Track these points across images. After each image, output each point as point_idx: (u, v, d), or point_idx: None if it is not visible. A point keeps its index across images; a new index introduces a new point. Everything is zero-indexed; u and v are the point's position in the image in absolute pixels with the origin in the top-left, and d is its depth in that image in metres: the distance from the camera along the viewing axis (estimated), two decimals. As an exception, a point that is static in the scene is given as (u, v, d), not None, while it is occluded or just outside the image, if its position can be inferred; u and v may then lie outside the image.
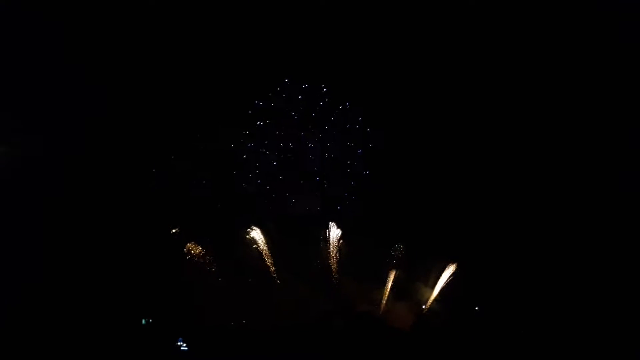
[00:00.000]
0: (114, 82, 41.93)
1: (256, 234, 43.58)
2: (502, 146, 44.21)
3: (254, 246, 43.46)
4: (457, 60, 43.97)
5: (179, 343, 39.68)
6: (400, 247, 43.38)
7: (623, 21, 39.68)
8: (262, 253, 43.49)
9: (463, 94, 44.25)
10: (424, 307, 44.12)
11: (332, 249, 43.47)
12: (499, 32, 42.71)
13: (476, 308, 44.86)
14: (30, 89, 39.74)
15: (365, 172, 44.98)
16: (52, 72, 40.31)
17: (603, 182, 42.48)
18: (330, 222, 43.62)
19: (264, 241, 43.59)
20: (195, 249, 42.71)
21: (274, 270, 43.45)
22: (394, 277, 43.32)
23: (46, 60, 40.44)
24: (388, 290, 43.21)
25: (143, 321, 41.22)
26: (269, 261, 43.37)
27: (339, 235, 43.61)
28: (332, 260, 43.47)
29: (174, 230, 42.58)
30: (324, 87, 45.09)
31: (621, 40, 40.34)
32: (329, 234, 43.53)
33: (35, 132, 39.24)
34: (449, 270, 44.00)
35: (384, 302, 43.06)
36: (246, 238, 43.54)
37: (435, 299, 44.03)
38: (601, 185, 42.54)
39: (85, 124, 41.28)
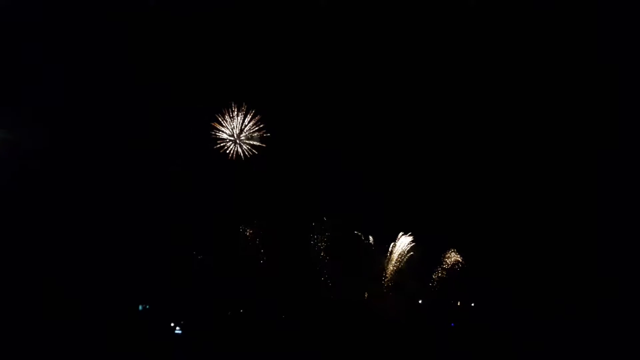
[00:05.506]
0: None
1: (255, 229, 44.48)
2: (500, 148, 45.22)
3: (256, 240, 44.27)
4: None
5: (172, 325, 39.99)
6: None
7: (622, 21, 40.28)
8: (259, 247, 44.21)
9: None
10: (420, 301, 44.24)
11: (327, 242, 44.11)
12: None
13: (472, 304, 44.94)
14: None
15: None
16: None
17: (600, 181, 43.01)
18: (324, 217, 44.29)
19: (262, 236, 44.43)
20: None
21: (271, 263, 44.08)
22: (389, 270, 43.69)
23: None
24: (384, 282, 43.56)
25: (140, 307, 41.59)
26: (266, 254, 44.06)
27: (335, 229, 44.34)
28: (326, 253, 44.04)
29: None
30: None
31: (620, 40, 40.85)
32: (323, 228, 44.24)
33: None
34: (447, 266, 44.36)
35: (378, 294, 43.34)
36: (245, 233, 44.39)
37: (431, 294, 44.21)
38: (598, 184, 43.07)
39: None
